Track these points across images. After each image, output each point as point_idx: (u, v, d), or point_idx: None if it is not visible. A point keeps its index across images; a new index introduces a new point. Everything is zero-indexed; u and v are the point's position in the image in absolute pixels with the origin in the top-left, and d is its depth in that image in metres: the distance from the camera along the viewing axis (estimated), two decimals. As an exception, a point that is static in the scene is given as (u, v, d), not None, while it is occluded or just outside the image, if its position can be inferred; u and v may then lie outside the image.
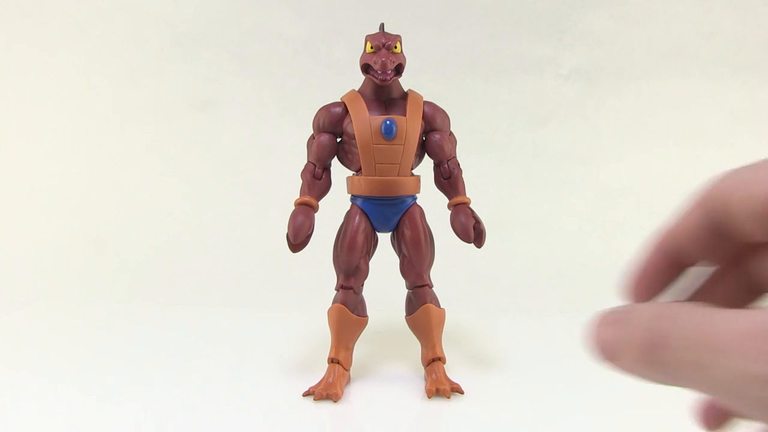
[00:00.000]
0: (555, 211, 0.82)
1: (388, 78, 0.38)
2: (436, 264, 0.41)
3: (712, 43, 0.86)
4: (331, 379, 0.39)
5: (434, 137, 0.40)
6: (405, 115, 0.38)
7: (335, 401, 0.39)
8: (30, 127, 0.89)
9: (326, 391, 0.38)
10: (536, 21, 0.87)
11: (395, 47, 0.38)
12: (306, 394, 0.39)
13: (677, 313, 0.15)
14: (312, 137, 0.41)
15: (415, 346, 0.43)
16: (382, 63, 0.37)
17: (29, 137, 0.89)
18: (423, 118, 0.39)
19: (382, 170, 0.38)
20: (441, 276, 0.42)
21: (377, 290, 0.42)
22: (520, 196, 0.83)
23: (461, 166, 0.41)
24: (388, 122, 0.37)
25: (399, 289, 0.42)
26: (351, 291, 0.40)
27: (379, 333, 0.44)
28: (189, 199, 0.85)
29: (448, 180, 0.40)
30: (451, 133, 0.42)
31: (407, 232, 0.39)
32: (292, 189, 0.41)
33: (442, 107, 0.41)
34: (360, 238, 0.39)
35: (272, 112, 0.89)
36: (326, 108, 0.40)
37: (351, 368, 0.42)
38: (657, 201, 0.82)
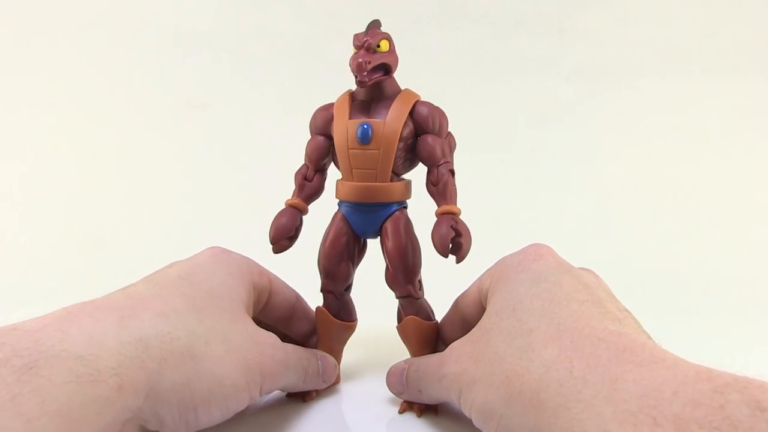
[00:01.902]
0: (555, 211, 0.82)
1: (366, 80, 0.35)
2: (434, 267, 0.39)
3: (712, 43, 0.86)
4: None
5: (424, 140, 0.37)
6: (385, 119, 0.36)
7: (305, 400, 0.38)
8: (28, 126, 0.89)
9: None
10: (536, 21, 0.87)
11: (378, 46, 0.35)
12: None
13: (412, 362, 0.37)
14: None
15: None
16: (358, 64, 0.35)
17: (28, 137, 0.89)
18: (413, 119, 0.37)
19: (359, 176, 0.37)
20: (439, 279, 0.41)
21: (372, 295, 0.41)
22: (519, 196, 0.83)
23: (458, 169, 0.38)
24: (364, 126, 0.36)
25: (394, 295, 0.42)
26: (331, 295, 0.39)
27: (370, 338, 0.43)
28: (188, 199, 0.85)
29: (436, 186, 0.37)
30: (449, 134, 0.39)
31: (388, 241, 0.37)
32: (291, 190, 0.41)
33: (438, 107, 0.38)
34: (340, 243, 0.38)
35: (272, 113, 0.89)
36: (319, 109, 0.39)
37: (344, 373, 0.42)
38: (657, 201, 0.82)
